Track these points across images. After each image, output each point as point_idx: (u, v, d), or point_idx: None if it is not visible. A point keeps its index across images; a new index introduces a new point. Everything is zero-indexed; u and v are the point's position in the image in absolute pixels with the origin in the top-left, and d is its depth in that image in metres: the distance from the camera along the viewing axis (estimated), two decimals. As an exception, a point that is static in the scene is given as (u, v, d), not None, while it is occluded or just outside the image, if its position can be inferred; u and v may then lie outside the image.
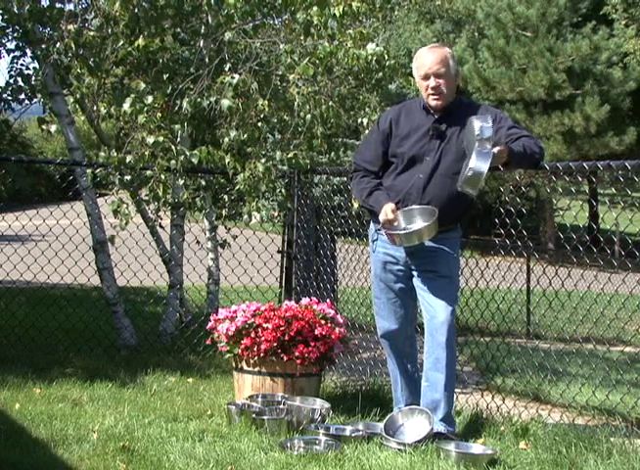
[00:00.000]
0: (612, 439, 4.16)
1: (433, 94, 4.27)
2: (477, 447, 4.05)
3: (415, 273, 4.36)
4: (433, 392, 4.27)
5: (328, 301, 5.08)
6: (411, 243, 4.22)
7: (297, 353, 4.63)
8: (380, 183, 4.40)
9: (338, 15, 5.77)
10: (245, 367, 4.76)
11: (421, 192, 4.26)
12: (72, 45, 5.99)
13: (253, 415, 4.31)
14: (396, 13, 24.11)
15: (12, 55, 6.65)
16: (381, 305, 4.47)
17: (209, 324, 4.97)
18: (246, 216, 6.04)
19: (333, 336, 4.76)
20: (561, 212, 20.12)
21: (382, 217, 4.26)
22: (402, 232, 4.19)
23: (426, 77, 4.28)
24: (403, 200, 4.30)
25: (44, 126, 6.60)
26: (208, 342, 5.07)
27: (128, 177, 6.06)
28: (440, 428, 4.22)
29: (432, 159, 4.27)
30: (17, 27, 6.52)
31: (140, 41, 5.93)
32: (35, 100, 6.70)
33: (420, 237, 4.18)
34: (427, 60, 4.28)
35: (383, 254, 4.42)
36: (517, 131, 4.27)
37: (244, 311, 4.81)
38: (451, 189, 4.22)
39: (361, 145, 4.69)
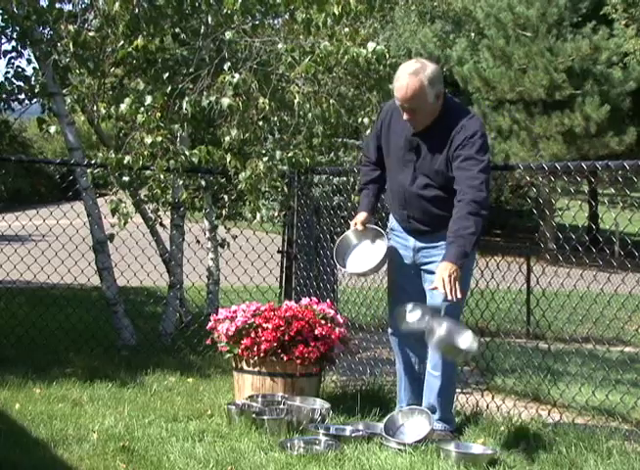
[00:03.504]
0: (611, 439, 4.16)
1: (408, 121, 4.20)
2: (477, 447, 4.05)
3: (423, 274, 4.33)
4: (430, 396, 4.31)
5: (328, 301, 5.08)
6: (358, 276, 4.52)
7: (296, 353, 4.63)
8: (374, 178, 4.47)
9: (337, 13, 5.77)
10: (245, 367, 4.76)
11: (403, 203, 4.31)
12: (71, 45, 6.00)
13: (253, 415, 4.31)
14: (395, 13, 24.12)
15: (8, 56, 6.65)
16: (393, 301, 4.45)
17: (209, 324, 4.97)
18: (250, 215, 6.04)
19: (333, 336, 4.76)
20: (560, 212, 20.12)
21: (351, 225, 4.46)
22: (345, 270, 4.44)
23: (401, 107, 4.15)
24: (395, 204, 4.39)
25: (44, 126, 6.61)
26: (208, 342, 5.07)
27: (126, 178, 6.06)
28: (438, 426, 4.24)
29: (409, 172, 4.23)
30: (16, 28, 6.52)
31: (139, 41, 5.93)
32: (35, 100, 6.70)
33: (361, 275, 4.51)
34: (399, 92, 4.08)
35: (397, 243, 4.44)
36: (462, 174, 4.00)
37: (244, 311, 4.81)
38: (429, 206, 4.20)
39: (370, 134, 4.78)
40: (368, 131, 6.25)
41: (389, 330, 4.53)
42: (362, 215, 4.42)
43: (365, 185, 4.51)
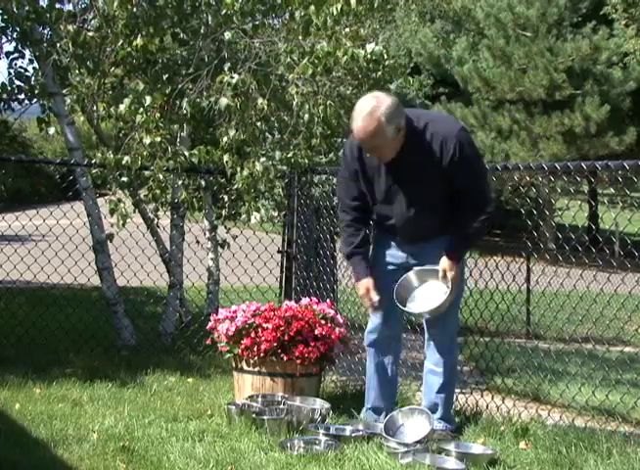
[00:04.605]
0: (611, 439, 4.16)
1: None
2: (477, 447, 4.05)
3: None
4: (431, 393, 4.34)
5: (328, 301, 5.08)
6: (416, 317, 4.37)
7: (296, 353, 4.63)
8: (363, 239, 4.33)
9: (335, 13, 5.76)
10: (245, 367, 4.77)
11: (401, 225, 4.25)
12: (70, 45, 5.99)
13: (253, 415, 4.31)
14: (395, 14, 24.12)
15: (10, 57, 6.64)
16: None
17: (209, 324, 4.97)
18: (244, 216, 6.04)
19: (333, 336, 4.76)
20: (559, 212, 20.13)
21: (360, 293, 4.33)
22: (405, 309, 4.27)
23: (362, 145, 4.11)
24: (390, 226, 4.32)
25: (43, 125, 6.62)
26: (208, 342, 5.08)
27: (125, 179, 6.05)
28: (439, 426, 4.25)
29: (401, 200, 4.19)
30: (16, 28, 6.52)
31: (138, 41, 5.93)
32: (35, 100, 6.70)
33: (422, 316, 4.30)
34: (357, 134, 4.02)
35: (382, 252, 4.42)
36: (468, 185, 4.07)
37: (244, 311, 4.81)
38: (431, 222, 4.18)
39: (339, 179, 4.48)
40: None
41: (367, 328, 4.52)
42: (370, 282, 4.28)
43: (357, 249, 4.33)
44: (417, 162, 4.07)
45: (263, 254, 6.53)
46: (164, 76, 6.34)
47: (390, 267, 4.37)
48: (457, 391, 4.78)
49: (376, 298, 4.26)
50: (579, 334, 7.54)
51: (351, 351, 5.55)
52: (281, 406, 4.45)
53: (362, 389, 5.22)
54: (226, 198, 7.53)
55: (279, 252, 6.63)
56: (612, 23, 24.56)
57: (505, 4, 23.56)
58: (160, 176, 6.04)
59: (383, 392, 4.50)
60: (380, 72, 6.17)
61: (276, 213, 7.16)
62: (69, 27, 5.97)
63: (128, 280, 7.00)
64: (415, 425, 4.18)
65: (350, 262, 4.43)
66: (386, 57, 5.97)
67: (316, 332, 4.70)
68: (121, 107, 5.86)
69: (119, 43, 6.06)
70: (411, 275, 4.30)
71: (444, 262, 4.18)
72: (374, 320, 4.48)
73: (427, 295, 4.26)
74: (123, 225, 5.88)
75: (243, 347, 4.71)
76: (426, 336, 4.42)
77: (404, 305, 4.26)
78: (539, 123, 22.89)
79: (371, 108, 3.95)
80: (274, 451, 3.92)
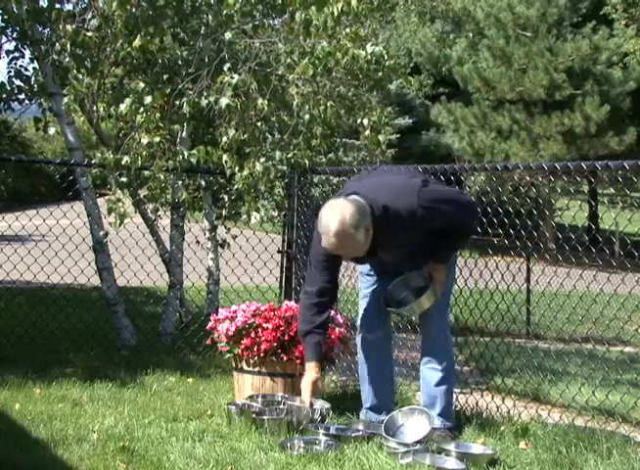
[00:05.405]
0: (611, 439, 4.16)
1: None
2: (477, 447, 4.05)
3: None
4: (429, 388, 4.35)
5: (328, 301, 5.06)
6: (414, 314, 4.40)
7: (296, 354, 4.63)
8: (324, 321, 4.26)
9: (336, 13, 5.77)
10: (245, 367, 4.77)
11: (394, 266, 4.36)
12: (68, 46, 5.99)
13: (253, 415, 4.31)
14: (394, 14, 24.13)
15: (10, 56, 6.65)
16: (364, 303, 4.53)
17: (209, 324, 4.97)
18: (244, 216, 6.04)
19: (333, 336, 4.76)
20: (559, 212, 20.13)
21: (302, 384, 4.25)
22: (390, 310, 4.36)
23: None
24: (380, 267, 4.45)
25: (40, 125, 6.62)
26: (208, 342, 5.08)
27: (124, 179, 6.05)
28: (437, 422, 4.25)
29: (386, 262, 4.33)
30: (16, 28, 6.52)
31: (137, 41, 5.92)
32: (35, 100, 6.71)
33: (415, 311, 4.34)
34: (328, 247, 3.98)
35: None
36: (450, 227, 4.12)
37: (244, 311, 4.81)
38: (423, 258, 4.25)
39: (312, 258, 4.30)
40: (367, 132, 6.26)
41: (365, 331, 4.53)
42: (315, 373, 4.24)
43: (316, 329, 4.23)
44: (391, 238, 4.08)
45: (263, 254, 6.53)
46: (164, 76, 6.35)
47: (381, 273, 4.45)
48: (457, 391, 4.78)
49: (309, 400, 4.22)
50: (579, 334, 7.54)
51: (351, 351, 5.54)
52: (281, 406, 4.45)
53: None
54: (226, 198, 7.54)
55: (279, 252, 6.63)
56: (612, 23, 24.57)
57: (505, 4, 23.56)
58: (160, 176, 6.04)
59: (381, 390, 4.50)
60: (380, 73, 6.17)
61: (276, 213, 7.16)
62: (68, 27, 5.97)
63: (128, 280, 7.00)
64: (415, 425, 4.17)
65: (304, 341, 4.31)
66: (386, 57, 5.97)
67: (316, 332, 4.69)
68: (121, 107, 5.86)
69: (119, 43, 6.06)
70: (399, 280, 4.37)
71: (437, 268, 4.27)
72: (366, 321, 4.51)
73: (413, 297, 4.32)
74: (121, 225, 5.87)
75: (243, 347, 4.71)
76: (421, 335, 4.46)
77: (393, 308, 4.34)
78: (539, 123, 22.89)
79: (338, 223, 3.86)
80: (274, 451, 3.92)
